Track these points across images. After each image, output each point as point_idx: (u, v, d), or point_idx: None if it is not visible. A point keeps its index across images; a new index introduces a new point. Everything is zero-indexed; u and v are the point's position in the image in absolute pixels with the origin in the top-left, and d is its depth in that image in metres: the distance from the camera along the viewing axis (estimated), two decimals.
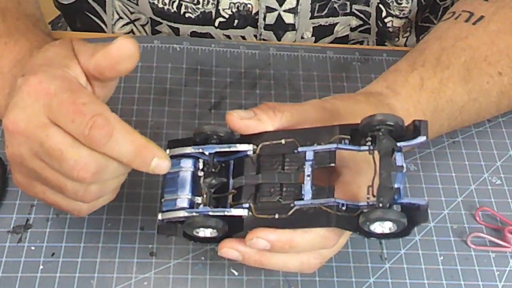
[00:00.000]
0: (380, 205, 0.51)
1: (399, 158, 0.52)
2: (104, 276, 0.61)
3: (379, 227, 0.51)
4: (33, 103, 0.54)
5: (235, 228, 0.54)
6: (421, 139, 0.52)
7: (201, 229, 0.54)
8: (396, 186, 0.51)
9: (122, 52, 0.55)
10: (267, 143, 0.56)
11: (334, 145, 0.54)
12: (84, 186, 0.54)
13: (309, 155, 0.54)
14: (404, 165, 0.52)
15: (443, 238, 0.65)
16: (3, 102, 0.62)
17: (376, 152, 0.53)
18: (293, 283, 0.61)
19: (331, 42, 0.87)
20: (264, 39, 0.85)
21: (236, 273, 0.62)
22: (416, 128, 0.52)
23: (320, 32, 0.85)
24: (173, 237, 0.63)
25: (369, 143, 0.53)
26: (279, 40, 0.85)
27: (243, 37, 0.85)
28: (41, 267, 0.61)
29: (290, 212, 0.53)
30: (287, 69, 0.79)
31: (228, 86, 0.77)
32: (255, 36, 0.84)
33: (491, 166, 0.72)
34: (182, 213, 0.55)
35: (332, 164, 0.54)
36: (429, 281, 0.62)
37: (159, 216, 0.56)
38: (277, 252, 0.55)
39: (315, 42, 0.86)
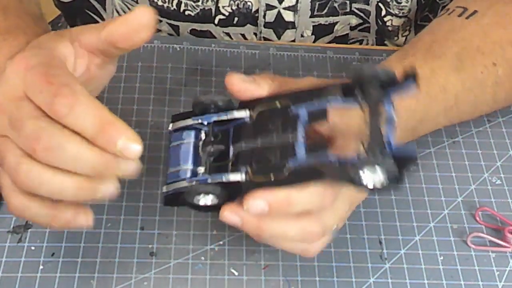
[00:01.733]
0: (371, 156, 0.50)
1: (388, 109, 0.52)
2: (104, 276, 0.61)
3: (370, 179, 0.50)
4: (13, 77, 0.53)
5: (235, 194, 0.54)
6: (411, 86, 0.51)
7: (201, 196, 0.54)
8: (386, 136, 0.51)
9: (141, 20, 0.54)
10: (263, 108, 0.56)
11: (326, 102, 0.54)
12: (26, 165, 0.51)
13: (303, 114, 0.54)
14: (394, 116, 0.51)
15: (443, 238, 0.65)
16: None
17: (366, 106, 0.53)
18: (293, 283, 0.61)
19: (331, 41, 0.87)
20: (264, 37, 0.85)
21: (236, 273, 0.62)
22: (407, 77, 0.52)
23: (320, 31, 0.85)
24: (173, 237, 0.63)
25: (359, 97, 0.53)
26: (279, 38, 0.85)
27: (243, 35, 0.85)
28: (41, 267, 0.61)
29: (286, 173, 0.53)
30: (287, 69, 0.79)
31: None
32: (255, 34, 0.85)
33: (491, 166, 0.72)
34: (184, 183, 0.55)
35: (325, 120, 0.54)
36: (429, 281, 0.62)
37: (164, 188, 0.56)
38: (276, 214, 0.54)
39: (315, 40, 0.86)
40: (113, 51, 0.56)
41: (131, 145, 0.49)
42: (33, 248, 0.62)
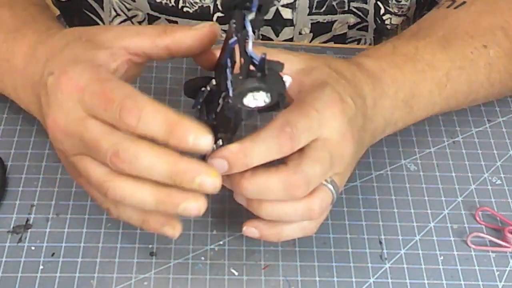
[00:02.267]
0: (240, 77, 0.52)
1: (247, 24, 0.53)
2: (104, 276, 0.61)
3: (253, 101, 0.51)
4: (67, 100, 0.55)
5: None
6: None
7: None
8: (249, 54, 0.52)
9: (207, 36, 0.58)
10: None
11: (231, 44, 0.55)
12: (110, 182, 0.54)
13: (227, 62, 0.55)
14: (250, 31, 0.53)
15: (443, 238, 0.65)
16: (27, 99, 0.64)
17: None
18: (293, 283, 0.61)
19: (329, 40, 0.87)
20: (262, 35, 0.85)
21: (236, 273, 0.62)
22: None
23: (318, 29, 0.85)
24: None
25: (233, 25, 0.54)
26: (277, 35, 0.85)
27: None
28: (41, 267, 0.61)
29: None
30: None
31: None
32: (254, 31, 0.84)
33: (491, 166, 0.72)
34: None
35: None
36: (429, 281, 0.62)
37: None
38: (237, 168, 0.55)
39: (313, 38, 0.86)
40: (165, 56, 0.59)
41: (201, 137, 0.51)
42: (33, 248, 0.62)
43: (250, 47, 0.52)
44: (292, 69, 0.60)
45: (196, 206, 0.53)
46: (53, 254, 0.62)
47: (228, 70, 0.54)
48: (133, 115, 0.52)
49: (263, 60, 0.52)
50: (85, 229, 0.64)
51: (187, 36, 0.58)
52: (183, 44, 0.59)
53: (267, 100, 0.52)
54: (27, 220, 0.64)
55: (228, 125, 0.55)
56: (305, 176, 0.55)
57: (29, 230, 0.63)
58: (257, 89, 0.51)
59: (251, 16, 0.52)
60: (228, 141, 0.56)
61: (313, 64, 0.61)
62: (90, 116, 0.54)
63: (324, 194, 0.57)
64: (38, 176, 0.67)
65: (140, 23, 0.86)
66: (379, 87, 0.64)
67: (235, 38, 0.53)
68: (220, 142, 0.56)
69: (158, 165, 0.52)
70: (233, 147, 0.54)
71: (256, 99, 0.51)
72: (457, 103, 0.72)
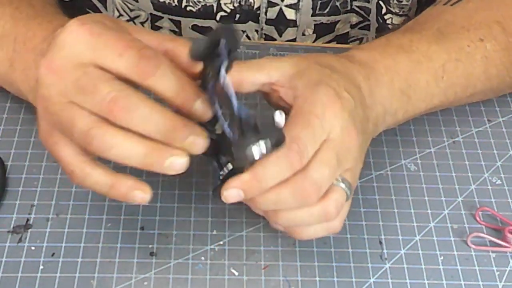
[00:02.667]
0: (233, 135, 0.52)
1: (222, 74, 0.53)
2: (104, 276, 0.61)
3: (255, 150, 0.52)
4: (73, 42, 0.54)
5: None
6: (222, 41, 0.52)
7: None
8: (234, 110, 0.52)
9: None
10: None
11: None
12: (99, 129, 0.53)
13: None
14: (226, 78, 0.52)
15: (443, 238, 0.65)
16: (34, 83, 0.62)
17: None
18: (293, 283, 0.61)
19: (332, 40, 0.87)
20: (265, 34, 0.85)
21: (236, 273, 0.62)
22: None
23: (321, 30, 0.85)
24: (173, 237, 0.64)
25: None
26: (280, 36, 0.85)
27: (245, 32, 0.85)
28: (41, 267, 0.61)
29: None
30: None
31: None
32: (257, 31, 0.85)
33: (491, 166, 0.72)
34: None
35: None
36: (429, 281, 0.62)
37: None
38: (253, 193, 0.55)
39: (316, 39, 0.86)
40: None
41: (206, 107, 0.54)
42: (33, 248, 0.62)
43: (231, 92, 0.52)
44: (285, 75, 0.60)
45: (183, 161, 0.53)
46: (53, 254, 0.62)
47: (221, 120, 0.54)
48: (152, 64, 0.52)
49: (253, 118, 0.52)
50: (85, 229, 0.64)
51: (181, 47, 0.57)
52: (179, 53, 0.57)
53: (269, 145, 0.52)
54: (27, 220, 0.64)
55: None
56: (314, 181, 0.55)
57: (29, 230, 0.63)
58: (256, 142, 0.52)
59: (225, 64, 0.53)
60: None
61: (304, 65, 0.61)
62: (92, 65, 0.53)
63: (337, 194, 0.57)
64: (38, 176, 0.67)
65: (142, 23, 0.86)
66: (372, 76, 0.64)
67: (212, 85, 0.54)
68: (229, 165, 0.55)
69: (155, 117, 0.52)
70: (245, 177, 0.54)
71: (258, 147, 0.52)
72: (455, 96, 0.71)
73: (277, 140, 0.53)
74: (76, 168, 0.55)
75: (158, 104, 0.53)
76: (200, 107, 0.54)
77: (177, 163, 0.53)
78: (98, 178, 0.55)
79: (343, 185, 0.58)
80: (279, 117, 0.54)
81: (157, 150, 0.53)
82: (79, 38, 0.54)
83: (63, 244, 0.63)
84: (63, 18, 0.68)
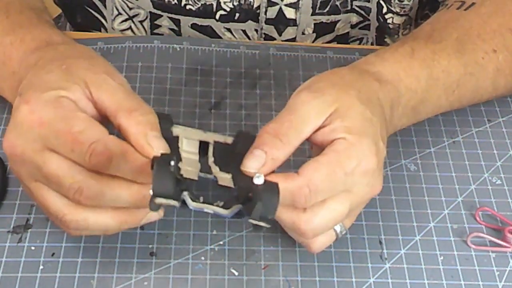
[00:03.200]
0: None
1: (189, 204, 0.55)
2: (104, 276, 0.61)
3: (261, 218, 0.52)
4: (27, 131, 0.55)
5: None
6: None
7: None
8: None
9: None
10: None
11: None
12: (72, 216, 0.55)
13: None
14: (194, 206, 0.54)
15: (443, 238, 0.65)
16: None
17: None
18: (293, 283, 0.61)
19: (332, 40, 0.87)
20: (265, 33, 0.85)
21: (236, 273, 0.62)
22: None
23: (321, 29, 0.85)
24: (173, 237, 0.63)
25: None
26: (280, 35, 0.85)
27: (244, 31, 0.85)
28: (41, 267, 0.61)
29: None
30: (287, 69, 0.79)
31: (228, 86, 0.77)
32: (256, 30, 0.85)
33: (491, 166, 0.72)
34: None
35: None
36: (429, 281, 0.62)
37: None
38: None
39: (316, 38, 0.86)
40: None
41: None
42: (33, 248, 0.62)
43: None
44: (326, 116, 0.57)
45: (157, 214, 0.57)
46: (53, 254, 0.62)
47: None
48: (102, 160, 0.53)
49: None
50: None
51: (138, 144, 0.55)
52: (127, 137, 0.56)
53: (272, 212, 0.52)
54: (27, 220, 0.64)
55: None
56: (312, 226, 0.57)
57: (29, 230, 0.63)
58: (260, 217, 0.52)
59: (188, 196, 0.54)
60: None
61: (345, 103, 0.58)
62: (48, 150, 0.54)
63: (325, 237, 0.59)
64: None
65: (141, 22, 0.86)
66: (396, 102, 0.64)
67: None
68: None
69: (123, 196, 0.54)
70: None
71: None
72: (459, 105, 0.73)
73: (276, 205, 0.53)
74: (70, 230, 0.58)
75: (123, 180, 0.54)
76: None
77: (153, 217, 0.57)
78: (91, 233, 0.58)
79: (337, 228, 0.59)
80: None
81: (130, 216, 0.56)
82: (31, 127, 0.54)
83: (63, 244, 0.63)
84: (36, 30, 0.67)
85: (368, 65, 0.65)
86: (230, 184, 0.57)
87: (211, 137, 0.59)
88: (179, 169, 0.55)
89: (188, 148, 0.58)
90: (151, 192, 0.50)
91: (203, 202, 0.54)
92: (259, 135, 0.56)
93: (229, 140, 0.58)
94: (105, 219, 0.56)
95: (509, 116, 0.76)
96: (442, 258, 0.64)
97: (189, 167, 0.57)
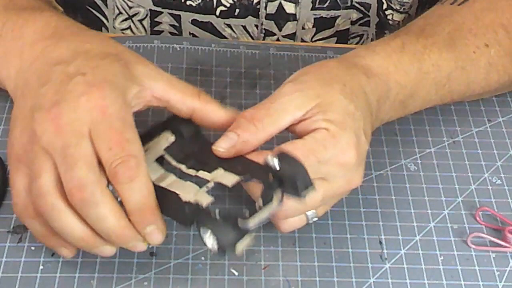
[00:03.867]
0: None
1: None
2: (104, 276, 0.61)
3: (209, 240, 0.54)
4: (84, 111, 0.55)
5: None
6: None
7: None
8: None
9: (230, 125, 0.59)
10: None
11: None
12: (55, 201, 0.55)
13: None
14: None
15: (443, 238, 0.65)
16: (14, 71, 0.63)
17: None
18: (293, 283, 0.61)
19: (332, 35, 0.87)
20: (265, 29, 0.85)
21: (236, 273, 0.62)
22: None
23: (321, 24, 0.85)
24: (173, 237, 0.63)
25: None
26: (280, 30, 0.85)
27: (244, 27, 0.85)
28: (41, 267, 0.61)
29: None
30: (287, 69, 0.79)
31: (228, 86, 0.77)
32: (256, 26, 0.85)
33: (491, 166, 0.72)
34: None
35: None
36: (429, 281, 0.62)
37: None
38: None
39: (316, 33, 0.86)
40: (184, 114, 0.61)
41: (157, 234, 0.56)
42: (33, 248, 0.62)
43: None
44: (307, 109, 0.59)
45: (111, 251, 0.58)
46: (53, 254, 0.62)
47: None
48: (128, 175, 0.53)
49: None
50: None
51: (216, 113, 0.60)
52: (208, 117, 0.60)
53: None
54: None
55: None
56: (286, 210, 0.58)
57: (29, 230, 0.63)
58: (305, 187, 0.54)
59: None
60: None
61: (327, 97, 0.60)
62: (88, 137, 0.54)
63: (297, 222, 0.61)
64: None
65: (140, 21, 0.86)
66: (384, 96, 0.65)
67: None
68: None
69: (109, 221, 0.54)
70: None
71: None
72: (451, 100, 0.73)
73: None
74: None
75: (118, 207, 0.54)
76: (149, 233, 0.55)
77: (103, 254, 0.58)
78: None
79: (309, 214, 0.61)
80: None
81: (94, 240, 0.56)
82: (91, 111, 0.55)
83: None
84: (54, 10, 0.68)
85: (357, 58, 0.66)
86: (232, 180, 0.57)
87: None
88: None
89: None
90: (215, 247, 0.53)
91: (252, 216, 0.54)
92: (236, 119, 0.59)
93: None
94: (76, 226, 0.55)
95: (509, 116, 0.76)
96: (442, 258, 0.64)
97: (191, 191, 0.58)
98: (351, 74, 0.63)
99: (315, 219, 0.61)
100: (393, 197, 0.68)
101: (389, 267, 0.63)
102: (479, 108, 0.77)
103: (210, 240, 0.53)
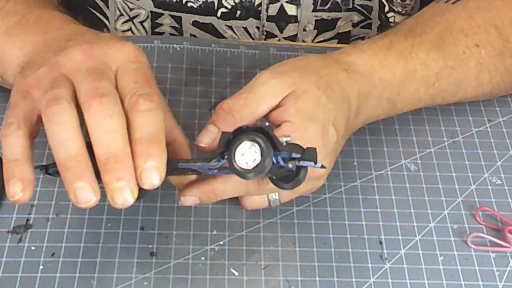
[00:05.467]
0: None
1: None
2: (104, 276, 0.61)
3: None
4: (118, 50, 0.56)
5: None
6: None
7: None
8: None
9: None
10: None
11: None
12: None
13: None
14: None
15: (443, 238, 0.65)
16: (31, 45, 0.63)
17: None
18: (293, 283, 0.61)
19: (333, 37, 0.87)
20: (266, 31, 0.85)
21: (236, 273, 0.62)
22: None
23: (322, 26, 0.85)
24: (173, 237, 0.63)
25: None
26: (281, 32, 0.85)
27: (245, 29, 0.85)
28: (41, 267, 0.61)
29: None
30: None
31: (228, 86, 0.77)
32: (258, 28, 0.85)
33: (491, 166, 0.71)
34: None
35: None
36: (429, 281, 0.62)
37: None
38: (207, 202, 0.62)
39: (317, 35, 0.86)
40: None
41: (155, 173, 0.50)
42: (33, 248, 0.62)
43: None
44: (283, 97, 0.61)
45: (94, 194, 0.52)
46: (53, 254, 0.62)
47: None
48: (148, 105, 0.52)
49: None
50: (85, 229, 0.64)
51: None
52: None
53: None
54: (27, 220, 0.64)
55: None
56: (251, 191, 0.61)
57: (29, 230, 0.63)
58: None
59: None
60: None
61: (303, 87, 0.61)
62: (110, 69, 0.55)
63: (259, 200, 0.63)
64: (38, 176, 0.67)
65: (141, 23, 0.86)
66: (366, 91, 0.65)
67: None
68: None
69: (117, 135, 0.51)
70: (205, 188, 0.59)
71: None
72: (442, 100, 0.72)
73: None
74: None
75: (126, 130, 0.52)
76: (148, 168, 0.51)
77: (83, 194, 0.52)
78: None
79: (271, 197, 0.63)
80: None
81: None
82: (124, 53, 0.56)
83: (63, 244, 0.63)
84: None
85: (342, 55, 0.67)
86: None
87: None
88: None
89: None
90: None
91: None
92: (215, 111, 0.60)
93: None
94: (75, 135, 0.52)
95: (509, 116, 0.76)
96: (442, 258, 0.64)
97: None
98: (330, 68, 0.64)
99: (278, 203, 0.63)
100: (393, 197, 0.68)
101: (389, 267, 0.63)
102: (479, 108, 0.77)
103: (247, 157, 0.52)
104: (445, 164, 0.71)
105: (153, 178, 0.51)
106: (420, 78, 0.68)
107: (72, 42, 0.58)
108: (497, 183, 0.70)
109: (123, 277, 0.61)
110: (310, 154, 0.54)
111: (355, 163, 0.71)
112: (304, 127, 0.59)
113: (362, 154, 0.71)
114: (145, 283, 0.61)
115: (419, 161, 0.71)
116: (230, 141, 0.53)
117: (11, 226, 0.64)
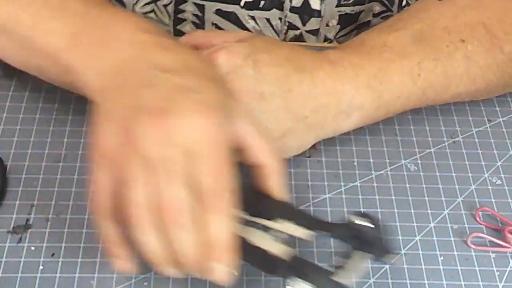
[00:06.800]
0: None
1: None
2: (104, 276, 0.61)
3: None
4: (195, 129, 0.52)
5: None
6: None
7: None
8: None
9: None
10: None
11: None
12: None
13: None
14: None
15: (443, 238, 0.65)
16: (108, 64, 0.58)
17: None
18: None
19: (354, 29, 0.86)
20: (289, 22, 0.83)
21: (236, 273, 0.62)
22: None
23: (345, 21, 0.85)
24: None
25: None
26: (303, 24, 0.84)
27: (268, 19, 0.84)
28: (41, 267, 0.61)
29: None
30: None
31: None
32: (280, 19, 0.84)
33: (491, 166, 0.72)
34: None
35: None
36: (429, 281, 0.62)
37: None
38: None
39: (339, 30, 0.86)
40: None
41: (225, 274, 0.54)
42: (33, 248, 0.62)
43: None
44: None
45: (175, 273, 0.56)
46: (53, 254, 0.62)
47: None
48: (222, 208, 0.52)
49: None
50: (85, 229, 0.64)
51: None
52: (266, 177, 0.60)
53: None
54: (27, 220, 0.64)
55: None
56: None
57: (29, 230, 0.63)
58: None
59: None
60: None
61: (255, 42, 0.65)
62: (190, 155, 0.53)
63: None
64: (38, 176, 0.67)
65: (165, 6, 0.84)
66: (328, 68, 0.65)
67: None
68: None
69: (188, 246, 0.53)
70: None
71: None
72: (435, 95, 0.70)
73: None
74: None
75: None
76: (218, 269, 0.54)
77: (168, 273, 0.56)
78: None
79: None
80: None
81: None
82: (202, 133, 0.52)
83: (63, 244, 0.63)
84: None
85: (317, 52, 0.68)
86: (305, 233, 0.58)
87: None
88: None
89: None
90: None
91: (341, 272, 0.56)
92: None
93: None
94: (156, 240, 0.53)
95: (509, 116, 0.76)
96: (442, 258, 0.64)
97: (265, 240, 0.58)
98: (303, 52, 0.66)
99: None
100: (393, 197, 0.68)
101: (389, 267, 0.63)
102: (479, 108, 0.77)
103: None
104: (445, 164, 0.71)
105: (223, 277, 0.55)
106: (400, 67, 0.67)
107: (148, 92, 0.54)
108: (497, 183, 0.70)
109: (123, 277, 0.61)
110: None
111: (355, 163, 0.71)
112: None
113: (362, 154, 0.71)
114: (145, 283, 0.61)
115: (419, 161, 0.71)
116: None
117: (11, 226, 0.64)
